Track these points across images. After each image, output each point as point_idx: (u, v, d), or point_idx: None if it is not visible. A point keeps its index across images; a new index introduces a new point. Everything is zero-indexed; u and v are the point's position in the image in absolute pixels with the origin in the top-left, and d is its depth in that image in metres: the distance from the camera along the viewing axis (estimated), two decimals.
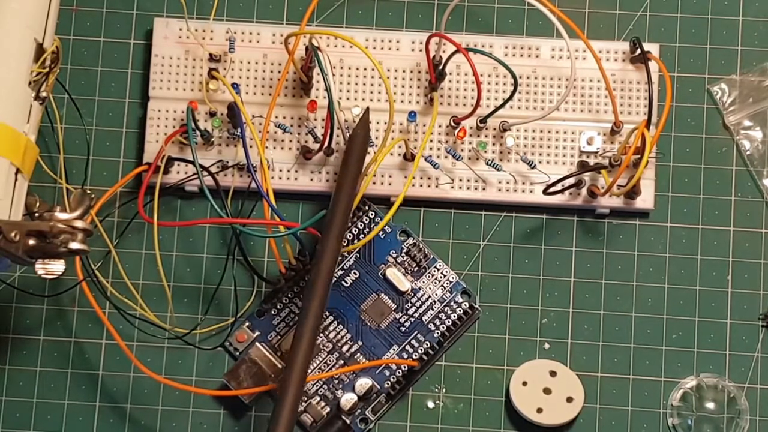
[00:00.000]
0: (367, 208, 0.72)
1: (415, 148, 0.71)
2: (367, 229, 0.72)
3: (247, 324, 0.71)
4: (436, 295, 0.71)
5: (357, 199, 0.68)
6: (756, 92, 0.73)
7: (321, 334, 0.71)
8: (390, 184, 0.71)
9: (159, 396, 0.71)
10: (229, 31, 0.72)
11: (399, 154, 0.72)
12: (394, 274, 0.71)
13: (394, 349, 0.71)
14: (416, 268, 0.72)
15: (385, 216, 0.69)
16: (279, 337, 0.71)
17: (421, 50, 0.72)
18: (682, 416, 0.71)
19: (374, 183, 0.71)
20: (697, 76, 0.74)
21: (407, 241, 0.72)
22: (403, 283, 0.71)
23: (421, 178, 0.72)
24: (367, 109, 0.70)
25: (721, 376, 0.71)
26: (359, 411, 0.71)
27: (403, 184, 0.71)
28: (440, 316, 0.71)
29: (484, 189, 0.71)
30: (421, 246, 0.72)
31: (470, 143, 0.72)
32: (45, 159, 0.72)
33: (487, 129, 0.72)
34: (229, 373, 0.70)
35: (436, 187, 0.72)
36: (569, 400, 0.70)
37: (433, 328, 0.71)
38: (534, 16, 0.74)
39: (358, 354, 0.71)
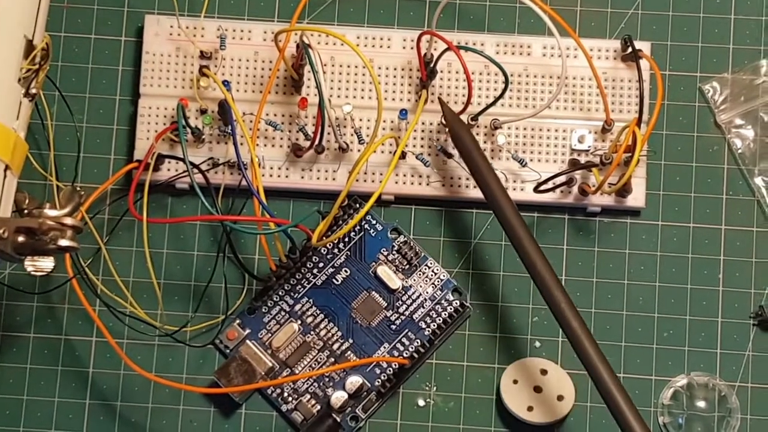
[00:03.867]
0: (357, 205, 0.72)
1: (406, 145, 0.71)
2: (358, 226, 0.72)
3: (237, 321, 0.71)
4: (427, 293, 0.71)
5: (343, 195, 0.67)
6: (747, 91, 0.73)
7: (312, 332, 0.71)
8: (381, 181, 0.71)
9: (149, 393, 0.71)
10: (220, 28, 0.72)
11: (390, 152, 0.71)
12: (385, 272, 0.71)
13: (384, 347, 0.71)
14: (407, 266, 0.72)
15: (364, 208, 0.68)
16: (270, 334, 0.71)
17: (412, 48, 0.72)
18: (673, 415, 0.71)
19: (365, 180, 0.71)
20: (689, 74, 0.74)
21: (398, 239, 0.72)
22: (394, 281, 0.71)
23: (412, 176, 0.72)
24: (440, 99, 0.70)
25: (712, 375, 0.71)
26: (350, 409, 0.70)
27: (395, 181, 0.71)
28: (431, 314, 0.71)
29: (475, 187, 0.71)
30: (411, 244, 0.72)
31: None
32: (35, 156, 0.72)
33: (478, 127, 0.72)
34: (220, 370, 0.70)
35: (427, 185, 0.72)
36: (560, 398, 0.70)
37: (423, 326, 0.71)
38: (525, 14, 0.74)
39: (349, 352, 0.71)
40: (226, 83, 0.71)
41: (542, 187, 0.70)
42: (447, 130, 0.70)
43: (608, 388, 0.63)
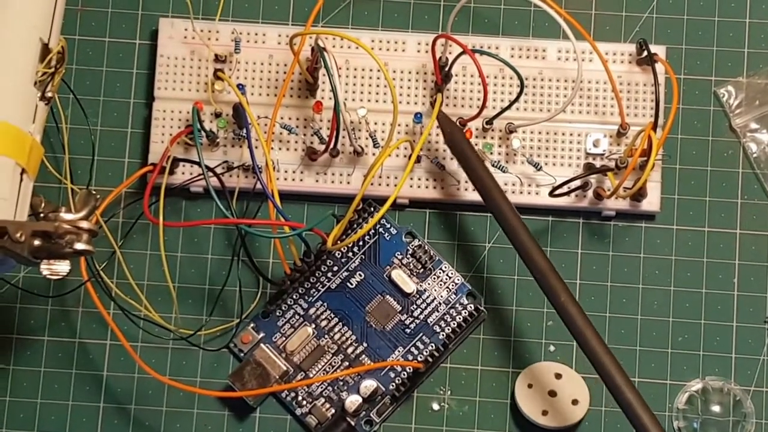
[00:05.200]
0: (372, 209, 0.72)
1: (420, 149, 0.70)
2: (372, 230, 0.72)
3: (251, 325, 0.71)
4: (442, 296, 0.71)
5: (358, 199, 0.67)
6: (763, 95, 0.73)
7: (326, 336, 0.71)
8: (396, 185, 0.71)
9: (163, 397, 0.71)
10: (235, 31, 0.72)
11: (405, 156, 0.71)
12: (399, 276, 0.71)
13: (399, 351, 0.71)
14: (421, 270, 0.72)
15: (379, 212, 0.68)
16: (284, 338, 0.71)
17: (427, 51, 0.72)
18: (688, 419, 0.70)
19: (380, 185, 0.71)
20: (704, 78, 0.74)
21: (413, 243, 0.72)
22: (409, 284, 0.71)
23: (427, 179, 0.71)
24: (440, 112, 0.70)
25: (727, 379, 0.71)
26: (364, 413, 0.70)
27: (409, 185, 0.71)
28: (445, 318, 0.71)
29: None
30: (426, 248, 0.72)
31: (476, 145, 0.71)
32: (50, 159, 0.72)
33: (493, 131, 0.72)
34: (234, 374, 0.70)
35: (442, 188, 0.71)
36: (574, 402, 0.70)
37: (438, 330, 0.71)
38: (540, 17, 0.74)
39: (363, 356, 0.71)
40: (240, 87, 0.71)
41: (557, 191, 0.70)
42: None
43: (615, 380, 0.63)
